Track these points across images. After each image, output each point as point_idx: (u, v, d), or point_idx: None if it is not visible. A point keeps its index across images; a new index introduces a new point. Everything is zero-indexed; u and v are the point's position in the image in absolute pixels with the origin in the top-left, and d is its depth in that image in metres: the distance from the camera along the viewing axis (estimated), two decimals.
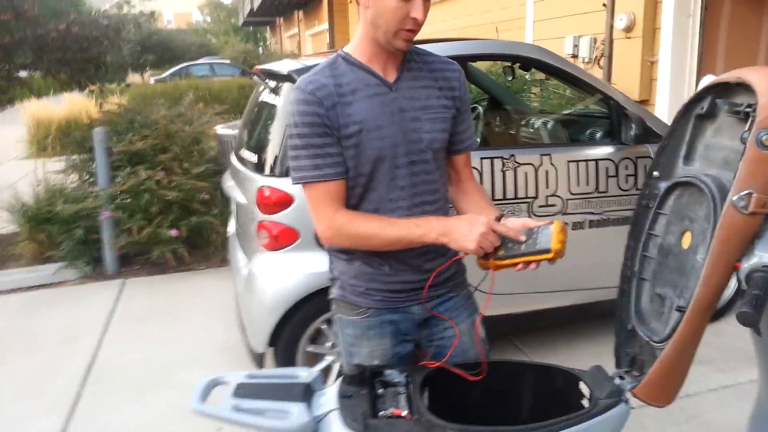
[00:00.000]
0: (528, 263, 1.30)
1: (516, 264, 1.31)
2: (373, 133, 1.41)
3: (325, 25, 16.57)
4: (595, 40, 6.05)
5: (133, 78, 19.25)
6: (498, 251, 1.32)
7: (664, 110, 5.29)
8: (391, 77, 1.46)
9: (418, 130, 1.46)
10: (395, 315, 1.54)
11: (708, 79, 1.94)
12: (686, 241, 1.29)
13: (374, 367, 1.43)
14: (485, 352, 1.56)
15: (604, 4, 5.84)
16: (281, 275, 2.65)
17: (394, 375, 1.39)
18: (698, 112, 1.37)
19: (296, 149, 1.42)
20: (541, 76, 5.48)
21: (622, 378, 1.32)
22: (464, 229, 1.32)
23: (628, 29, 5.57)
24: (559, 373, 1.38)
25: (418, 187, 1.48)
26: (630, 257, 1.45)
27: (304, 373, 1.40)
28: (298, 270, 2.62)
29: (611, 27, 5.81)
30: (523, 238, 1.31)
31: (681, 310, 1.17)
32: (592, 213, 2.97)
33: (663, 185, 1.40)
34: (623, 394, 1.27)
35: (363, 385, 1.34)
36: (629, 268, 1.44)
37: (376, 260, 1.49)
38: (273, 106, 2.99)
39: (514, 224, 1.35)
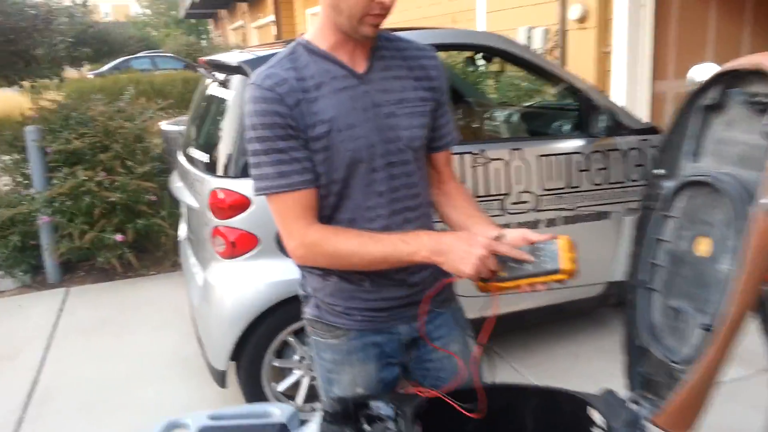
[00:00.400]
0: (534, 284, 1.15)
1: (520, 286, 1.16)
2: (345, 132, 1.23)
3: (271, 17, 16.14)
4: (548, 32, 6.00)
5: (70, 73, 18.36)
6: (498, 272, 1.17)
7: (620, 101, 5.28)
8: (360, 67, 1.28)
9: (395, 126, 1.29)
10: (379, 336, 1.37)
11: (707, 68, 1.82)
12: (703, 248, 1.16)
13: (358, 398, 1.26)
14: (482, 379, 1.41)
15: None
16: (241, 285, 2.44)
17: (381, 407, 1.23)
18: (705, 103, 1.24)
19: (257, 155, 1.23)
20: (496, 67, 5.39)
21: (637, 403, 1.19)
22: (461, 250, 1.15)
23: (582, 20, 5.54)
24: (565, 397, 1.24)
25: (399, 191, 1.32)
26: (635, 265, 1.32)
27: (277, 411, 1.22)
28: (260, 279, 2.42)
29: (564, 18, 5.77)
30: (528, 257, 1.15)
31: (707, 328, 1.05)
32: (565, 209, 2.87)
33: (670, 185, 1.28)
34: (640, 422, 1.14)
35: (347, 421, 1.18)
36: (635, 277, 1.31)
37: (355, 275, 1.32)
38: (222, 100, 2.76)
39: (514, 238, 1.19)
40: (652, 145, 3.00)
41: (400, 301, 1.35)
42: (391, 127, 1.28)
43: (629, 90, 5.33)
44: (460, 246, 1.16)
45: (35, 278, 4.45)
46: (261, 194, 1.25)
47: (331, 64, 1.26)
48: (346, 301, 1.34)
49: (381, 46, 1.32)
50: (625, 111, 2.98)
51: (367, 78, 1.28)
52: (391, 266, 1.25)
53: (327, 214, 1.29)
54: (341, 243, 1.23)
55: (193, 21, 34.15)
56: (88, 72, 19.04)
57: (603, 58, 5.51)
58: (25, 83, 7.65)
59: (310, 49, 1.26)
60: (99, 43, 20.57)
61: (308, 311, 1.42)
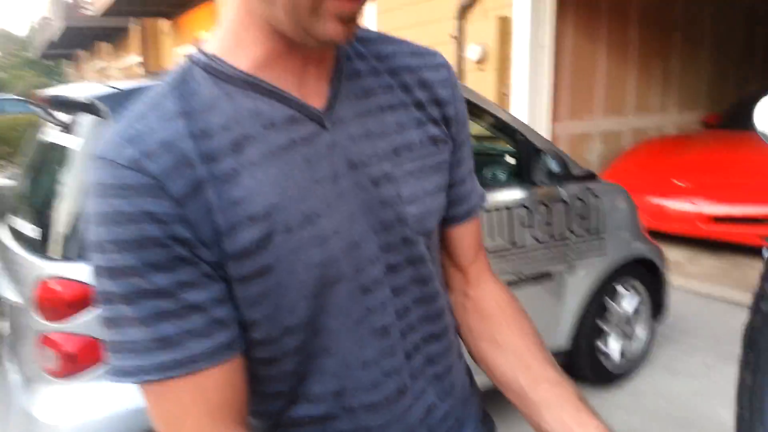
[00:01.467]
0: None
1: None
2: (301, 232, 0.60)
3: (137, 58, 15.05)
4: None
5: None
6: None
7: None
8: (317, 100, 0.64)
9: (393, 201, 0.66)
10: None
11: None
12: None
13: None
14: None
15: (454, 36, 5.53)
16: (81, 418, 1.67)
17: None
18: None
19: (110, 303, 0.56)
20: None
21: None
22: None
23: (481, 60, 5.29)
24: None
25: (411, 313, 0.70)
26: (745, 397, 0.80)
27: None
28: (110, 406, 1.66)
29: (461, 58, 5.52)
30: None
31: None
32: (508, 272, 2.38)
33: None
34: None
35: None
36: (747, 414, 0.79)
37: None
38: (64, 150, 2.00)
39: None
40: (594, 194, 2.62)
41: None
42: (385, 201, 0.66)
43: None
44: None
45: None
46: (124, 382, 0.57)
47: (262, 98, 0.61)
48: None
49: (351, 54, 0.68)
50: (567, 156, 2.58)
51: (333, 117, 0.64)
52: None
53: (284, 390, 0.65)
54: None
55: (50, 63, 31.85)
56: None
57: (502, 99, 5.27)
58: None
59: (219, 73, 0.60)
60: None
61: None
